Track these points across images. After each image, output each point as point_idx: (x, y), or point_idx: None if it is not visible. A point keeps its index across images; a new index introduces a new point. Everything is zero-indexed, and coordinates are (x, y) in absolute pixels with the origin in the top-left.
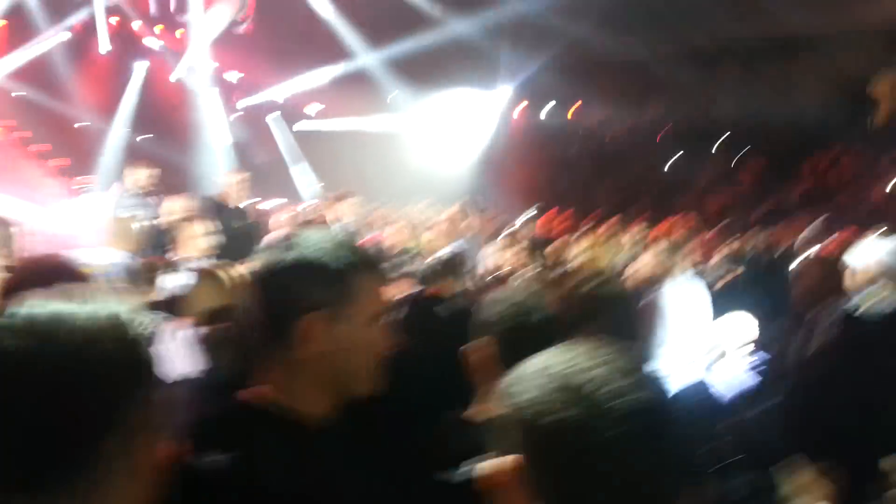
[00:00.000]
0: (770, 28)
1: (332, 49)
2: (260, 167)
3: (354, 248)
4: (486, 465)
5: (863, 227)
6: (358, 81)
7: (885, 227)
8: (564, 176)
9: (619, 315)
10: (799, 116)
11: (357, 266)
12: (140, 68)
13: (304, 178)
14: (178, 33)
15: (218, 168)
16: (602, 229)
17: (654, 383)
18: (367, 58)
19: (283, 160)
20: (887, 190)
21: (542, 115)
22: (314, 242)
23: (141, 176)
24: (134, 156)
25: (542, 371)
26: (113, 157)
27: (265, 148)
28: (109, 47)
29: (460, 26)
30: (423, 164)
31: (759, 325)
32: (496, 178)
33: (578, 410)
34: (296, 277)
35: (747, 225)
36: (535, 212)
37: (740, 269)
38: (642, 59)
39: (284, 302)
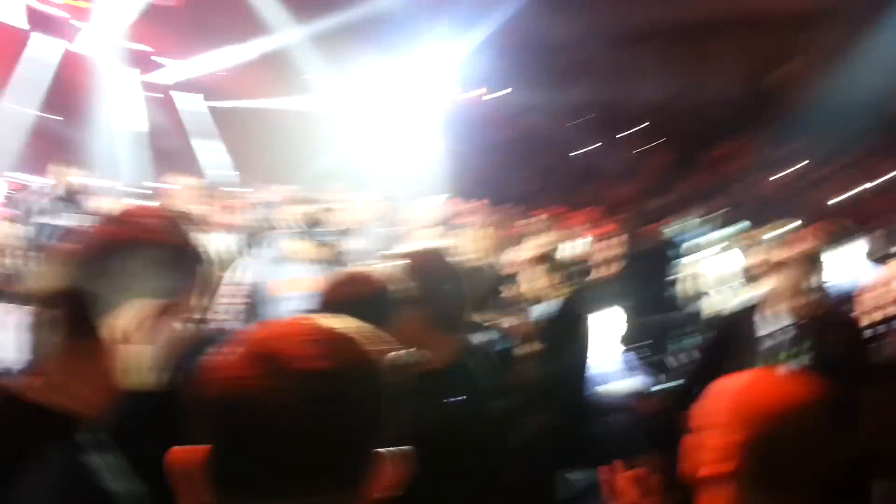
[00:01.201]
0: (685, 12)
1: (251, 24)
2: (172, 148)
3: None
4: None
5: (754, 218)
6: (279, 59)
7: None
8: (484, 162)
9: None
10: (710, 103)
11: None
12: (40, 41)
13: (215, 158)
14: (84, 4)
15: (125, 149)
16: (500, 218)
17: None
18: (289, 34)
19: (196, 140)
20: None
21: (464, 98)
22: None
23: (68, 175)
24: (36, 138)
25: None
26: (13, 140)
27: (178, 127)
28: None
29: (384, 5)
30: (341, 146)
31: (636, 320)
32: (413, 161)
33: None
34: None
35: (648, 216)
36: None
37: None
38: (563, 42)
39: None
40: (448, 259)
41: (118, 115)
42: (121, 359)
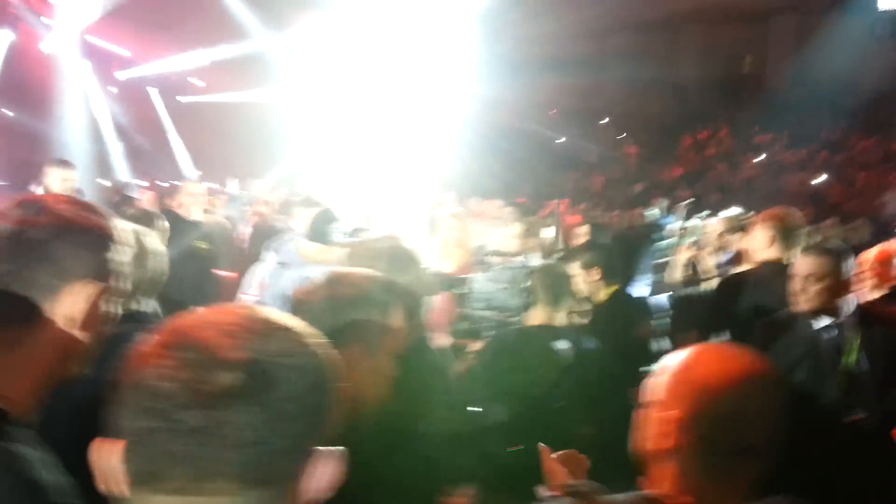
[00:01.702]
0: (654, 5)
1: (219, 23)
2: (139, 145)
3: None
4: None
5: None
6: (247, 57)
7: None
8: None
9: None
10: (680, 93)
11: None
12: (3, 36)
13: (183, 155)
14: None
15: (84, 143)
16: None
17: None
18: (258, 36)
19: (164, 137)
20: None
21: (428, 92)
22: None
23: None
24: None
25: None
26: None
27: (145, 124)
28: None
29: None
30: (311, 143)
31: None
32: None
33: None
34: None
35: (626, 202)
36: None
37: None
38: (536, 35)
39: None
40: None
41: (82, 110)
42: (57, 346)
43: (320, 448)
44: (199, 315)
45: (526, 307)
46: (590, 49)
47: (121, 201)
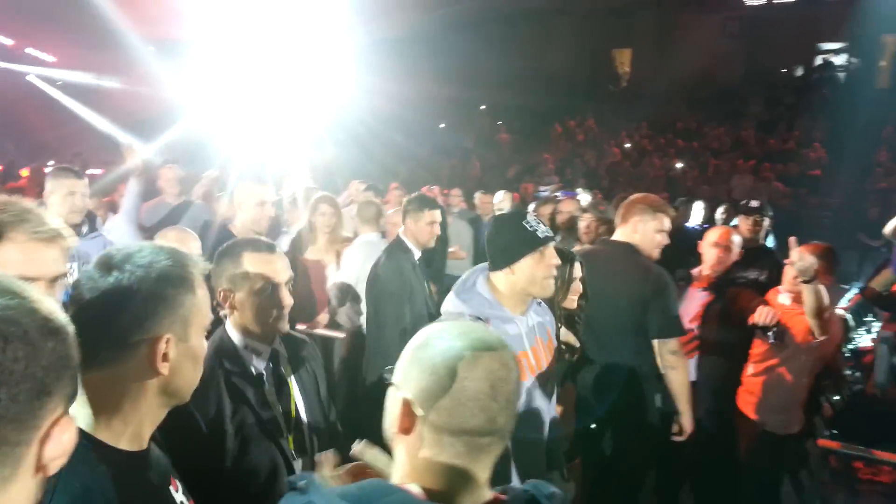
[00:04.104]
0: None
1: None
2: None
3: None
4: None
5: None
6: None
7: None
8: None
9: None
10: (551, 83)
11: None
12: None
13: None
14: None
15: None
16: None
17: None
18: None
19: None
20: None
21: (309, 80)
22: None
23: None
24: None
25: None
26: None
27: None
28: None
29: None
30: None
31: None
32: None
33: None
34: None
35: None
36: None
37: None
38: (415, 25)
39: None
40: None
41: None
42: None
43: (57, 415)
44: None
45: None
46: (466, 39)
47: None
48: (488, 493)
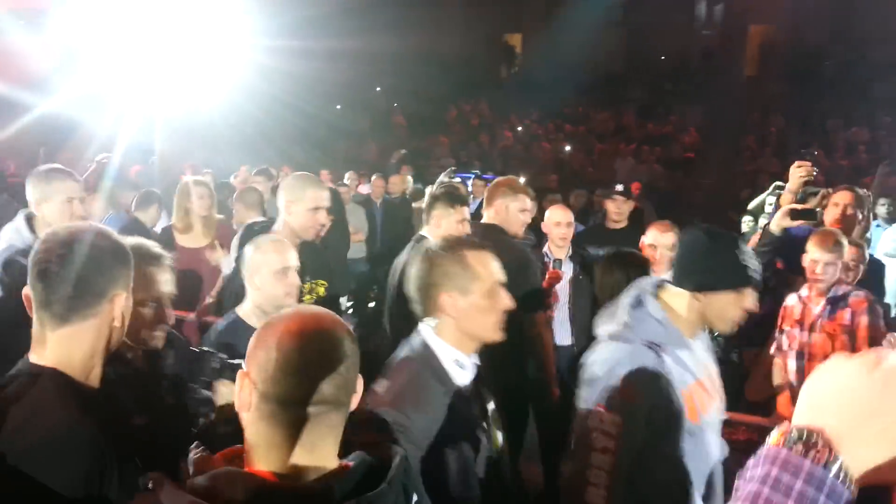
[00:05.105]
0: None
1: None
2: None
3: None
4: None
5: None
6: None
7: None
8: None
9: None
10: (445, 67)
11: None
12: None
13: None
14: None
15: None
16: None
17: None
18: None
19: None
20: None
21: (205, 62)
22: None
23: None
24: None
25: None
26: None
27: None
28: None
29: None
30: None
31: None
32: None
33: None
34: None
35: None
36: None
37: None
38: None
39: None
40: None
41: None
42: None
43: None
44: None
45: None
46: (363, 20)
47: None
48: (333, 463)
